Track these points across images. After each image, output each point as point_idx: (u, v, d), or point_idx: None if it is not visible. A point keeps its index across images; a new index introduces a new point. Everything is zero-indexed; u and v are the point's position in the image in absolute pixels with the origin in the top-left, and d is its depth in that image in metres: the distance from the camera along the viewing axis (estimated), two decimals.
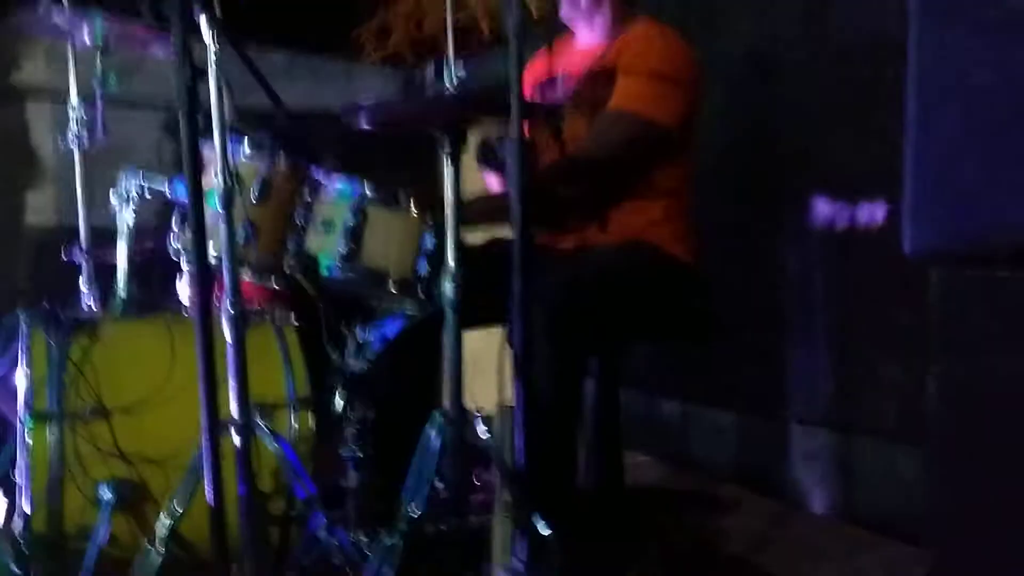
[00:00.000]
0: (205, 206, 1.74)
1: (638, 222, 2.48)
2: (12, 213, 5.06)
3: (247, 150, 2.15)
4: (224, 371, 1.84)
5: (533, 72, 2.67)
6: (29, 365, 2.03)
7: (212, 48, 1.87)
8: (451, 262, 1.94)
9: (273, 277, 2.12)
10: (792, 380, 3.18)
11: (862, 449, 2.96)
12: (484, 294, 1.96)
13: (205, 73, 1.67)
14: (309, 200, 2.16)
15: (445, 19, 5.72)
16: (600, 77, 2.48)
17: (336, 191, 2.13)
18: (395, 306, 2.18)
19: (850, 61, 2.94)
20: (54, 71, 5.91)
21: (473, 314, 2.00)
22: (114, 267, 2.51)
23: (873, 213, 2.89)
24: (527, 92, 2.47)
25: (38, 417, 2.00)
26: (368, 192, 2.11)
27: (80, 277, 2.61)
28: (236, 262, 1.88)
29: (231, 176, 1.88)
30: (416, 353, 2.33)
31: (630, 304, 2.34)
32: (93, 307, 2.52)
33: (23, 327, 2.09)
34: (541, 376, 2.02)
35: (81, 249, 2.61)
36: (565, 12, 2.63)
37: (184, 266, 2.20)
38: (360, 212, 2.09)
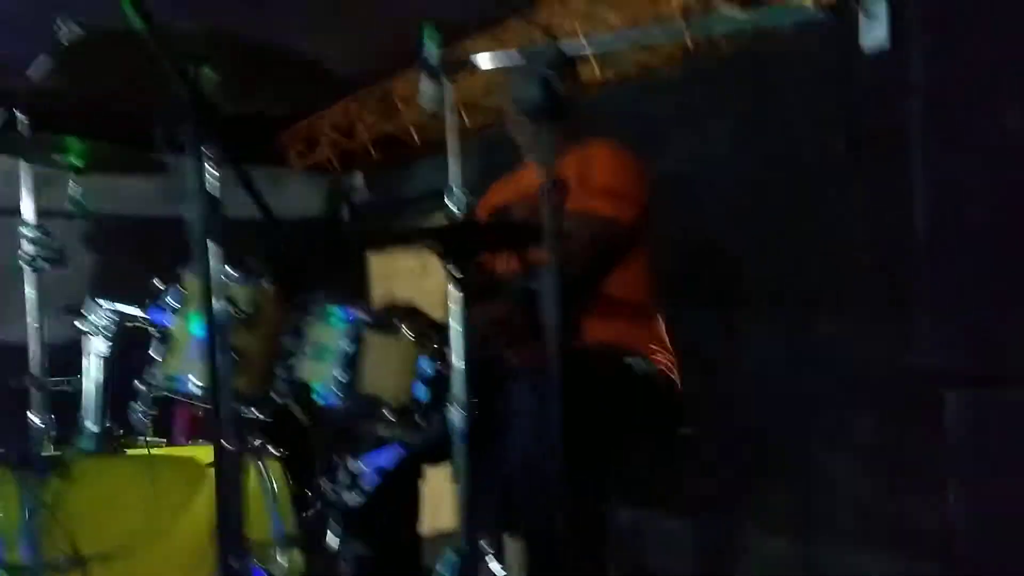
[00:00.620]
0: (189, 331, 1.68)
1: (608, 328, 2.48)
2: None
3: (232, 272, 2.08)
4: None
5: (487, 203, 2.72)
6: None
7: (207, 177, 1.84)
8: (457, 388, 1.90)
9: (258, 407, 2.04)
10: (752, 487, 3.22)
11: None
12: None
13: (220, 203, 1.62)
14: (299, 325, 2.10)
15: (374, 128, 5.75)
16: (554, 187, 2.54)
17: (328, 315, 2.08)
18: (392, 434, 2.12)
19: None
20: None
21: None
22: (64, 395, 2.39)
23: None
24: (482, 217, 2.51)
25: (11, 571, 1.84)
26: (364, 316, 2.07)
27: (30, 406, 2.46)
28: (227, 393, 1.80)
29: (228, 301, 1.82)
30: (406, 482, 2.25)
31: (605, 419, 2.32)
32: (48, 442, 2.36)
33: None
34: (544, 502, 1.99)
35: (32, 376, 2.46)
36: (521, 140, 2.67)
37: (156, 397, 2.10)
38: (356, 338, 2.03)
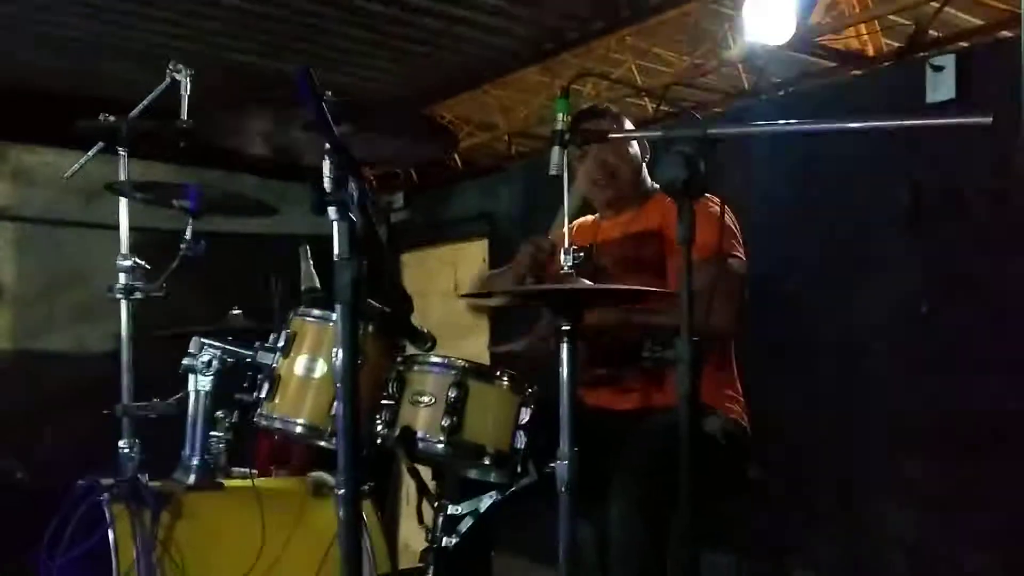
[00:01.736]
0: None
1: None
2: None
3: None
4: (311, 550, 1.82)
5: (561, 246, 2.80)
6: (116, 551, 1.95)
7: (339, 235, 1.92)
8: (566, 439, 1.97)
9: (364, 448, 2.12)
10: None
11: None
12: None
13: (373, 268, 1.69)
14: (401, 370, 2.18)
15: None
16: (641, 238, 2.62)
17: (432, 364, 2.16)
18: (490, 479, 2.20)
19: None
20: (20, 190, 5.78)
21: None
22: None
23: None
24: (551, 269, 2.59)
25: None
26: (466, 365, 2.15)
27: (122, 435, 2.53)
28: (350, 435, 1.88)
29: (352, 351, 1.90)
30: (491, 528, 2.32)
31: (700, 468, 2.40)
32: (136, 471, 2.42)
33: (104, 503, 2.02)
34: (637, 553, 2.06)
35: (125, 405, 2.54)
36: (611, 197, 2.74)
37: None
38: (460, 386, 2.12)
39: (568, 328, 1.98)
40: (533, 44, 4.69)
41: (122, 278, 2.59)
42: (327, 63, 4.85)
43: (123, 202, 2.62)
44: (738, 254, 2.55)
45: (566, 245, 1.99)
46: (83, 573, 2.00)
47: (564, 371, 1.98)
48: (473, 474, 2.23)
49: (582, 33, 4.51)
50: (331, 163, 1.69)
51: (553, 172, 1.84)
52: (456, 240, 5.74)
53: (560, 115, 1.85)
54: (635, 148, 2.72)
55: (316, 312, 2.25)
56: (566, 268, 1.99)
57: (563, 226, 1.98)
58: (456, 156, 5.59)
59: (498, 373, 2.18)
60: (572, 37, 4.57)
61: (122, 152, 2.60)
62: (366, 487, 2.35)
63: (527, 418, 2.16)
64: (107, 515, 1.99)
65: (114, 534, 1.97)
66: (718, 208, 2.57)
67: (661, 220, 2.63)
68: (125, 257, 2.60)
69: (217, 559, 2.03)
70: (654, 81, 4.39)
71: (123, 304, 2.59)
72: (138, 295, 2.57)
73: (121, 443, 2.52)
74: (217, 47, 4.69)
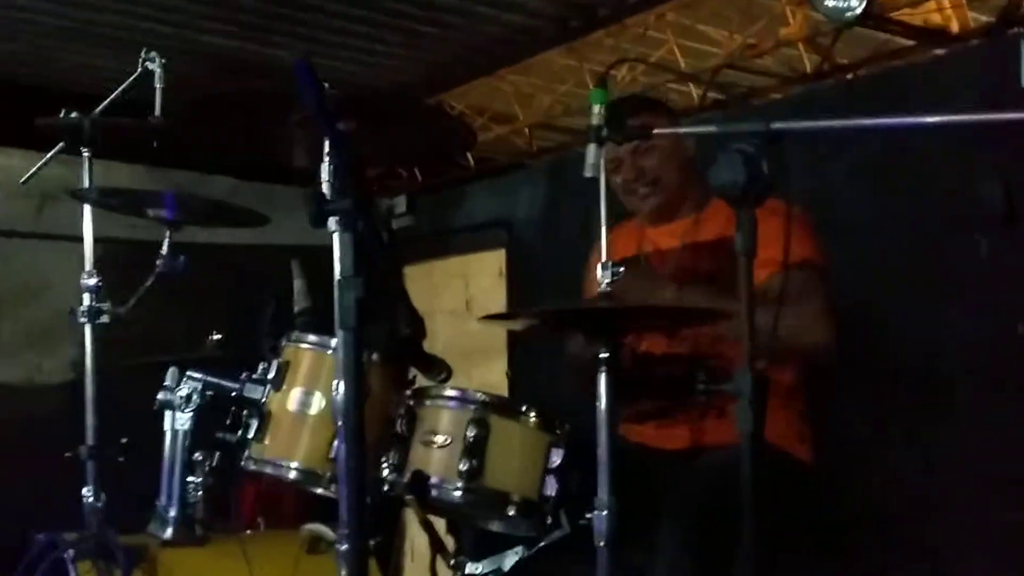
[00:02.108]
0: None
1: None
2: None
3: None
4: None
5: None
6: None
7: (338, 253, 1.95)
8: (604, 486, 1.97)
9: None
10: None
11: None
12: None
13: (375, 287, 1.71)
14: (412, 405, 2.19)
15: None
16: (703, 249, 2.63)
17: (447, 398, 2.17)
18: (516, 532, 2.20)
19: None
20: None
21: None
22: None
23: None
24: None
25: None
26: (487, 399, 2.16)
27: (86, 482, 2.55)
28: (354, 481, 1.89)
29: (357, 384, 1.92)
30: None
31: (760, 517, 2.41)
32: (103, 524, 2.43)
33: (68, 560, 2.04)
34: None
35: (89, 447, 2.55)
36: (656, 204, 2.75)
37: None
38: (481, 423, 2.12)
39: (607, 356, 1.98)
40: (557, 21, 4.71)
41: (86, 298, 2.62)
42: (320, 46, 4.88)
43: (87, 211, 2.65)
44: (821, 262, 2.58)
45: (603, 258, 2.00)
46: None
47: (602, 406, 1.98)
48: (496, 526, 2.24)
49: (614, 8, 4.53)
50: (332, 166, 1.70)
51: (589, 174, 1.85)
52: (468, 250, 5.73)
53: (597, 107, 1.86)
54: (682, 145, 2.74)
55: (312, 338, 2.27)
56: (603, 285, 2.00)
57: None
58: (469, 155, 5.62)
59: (524, 408, 2.19)
60: (603, 13, 4.59)
61: (86, 153, 2.63)
62: (372, 543, 2.37)
63: (559, 461, 2.16)
64: (72, 574, 2.01)
65: None
66: (786, 210, 2.59)
67: (725, 224, 2.63)
68: (90, 274, 2.63)
69: None
70: (700, 64, 4.40)
71: (87, 328, 2.61)
72: (105, 318, 2.59)
73: (85, 491, 2.55)
74: (195, 29, 4.73)
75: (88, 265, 2.64)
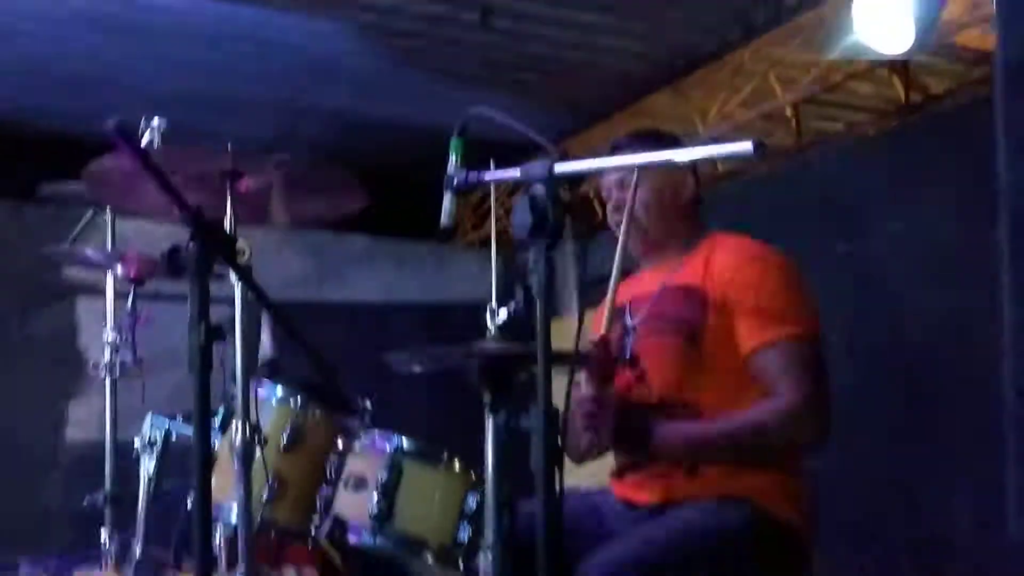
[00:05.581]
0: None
1: (736, 474, 2.58)
2: (52, 426, 5.55)
3: (279, 394, 2.43)
4: None
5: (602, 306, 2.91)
6: None
7: (238, 299, 2.21)
8: (491, 531, 2.10)
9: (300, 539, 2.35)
10: None
11: None
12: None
13: (221, 331, 1.95)
14: (342, 449, 2.40)
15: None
16: (676, 293, 2.68)
17: (369, 444, 2.37)
18: None
19: None
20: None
21: None
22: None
23: None
24: (597, 329, 2.70)
25: None
26: (405, 445, 2.34)
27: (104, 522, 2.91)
28: (252, 522, 2.12)
29: (251, 430, 2.16)
30: None
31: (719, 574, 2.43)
32: (109, 565, 2.79)
33: None
34: None
35: (105, 495, 2.91)
36: (638, 245, 2.83)
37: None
38: (395, 468, 2.31)
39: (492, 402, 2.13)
40: (663, 64, 4.86)
41: (106, 353, 3.00)
42: (436, 101, 5.22)
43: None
44: (813, 330, 2.56)
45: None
46: None
47: (489, 451, 2.12)
48: (418, 570, 2.39)
49: (718, 46, 4.64)
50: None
51: (445, 222, 2.01)
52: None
53: (453, 157, 2.01)
54: (675, 182, 2.78)
55: (262, 386, 2.50)
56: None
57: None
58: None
59: (445, 455, 2.35)
60: (706, 50, 4.70)
61: None
62: None
63: (475, 506, 2.31)
64: None
65: None
66: (784, 266, 2.61)
67: (703, 272, 2.68)
68: (111, 331, 3.01)
69: None
70: (796, 96, 4.41)
71: (107, 381, 3.00)
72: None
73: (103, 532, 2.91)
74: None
75: (110, 322, 3.02)
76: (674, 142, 2.93)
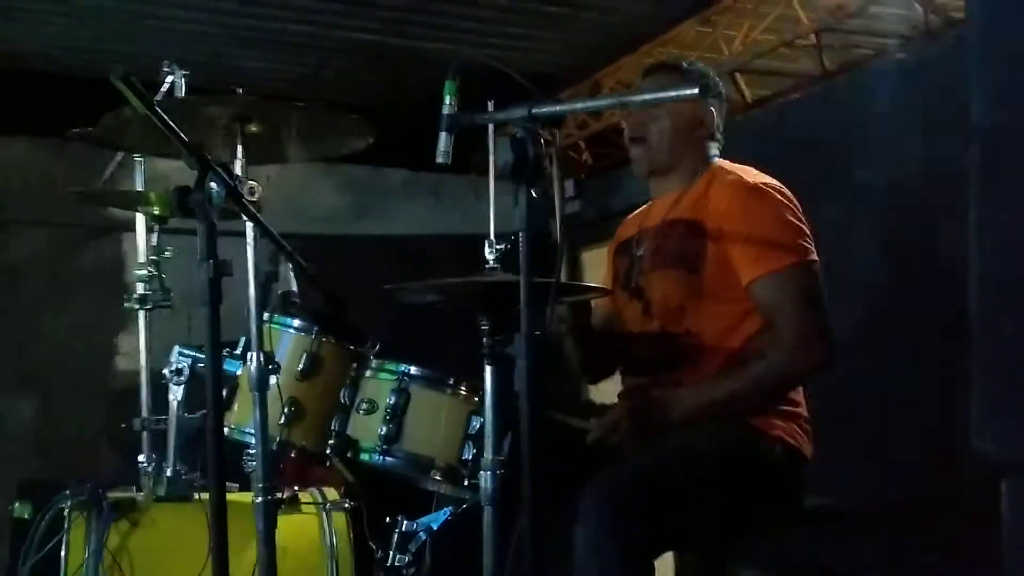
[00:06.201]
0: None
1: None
2: (101, 357, 5.80)
3: (296, 325, 2.59)
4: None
5: (618, 237, 3.02)
6: (67, 553, 2.49)
7: (249, 235, 2.37)
8: (489, 449, 2.25)
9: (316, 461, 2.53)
10: None
11: None
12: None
13: (228, 266, 2.09)
14: (355, 376, 2.56)
15: (586, 126, 6.13)
16: (676, 226, 2.78)
17: (379, 369, 2.53)
18: (445, 494, 2.53)
19: None
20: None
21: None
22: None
23: None
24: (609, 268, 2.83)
25: None
26: (413, 371, 2.49)
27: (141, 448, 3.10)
28: (267, 444, 2.30)
29: (265, 358, 2.32)
30: (462, 546, 2.62)
31: (713, 496, 2.56)
32: (146, 484, 2.98)
33: (66, 510, 2.57)
34: None
35: (142, 417, 3.10)
36: (642, 167, 2.93)
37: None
38: (402, 392, 2.47)
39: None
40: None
41: (140, 287, 3.17)
42: (471, 35, 5.31)
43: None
44: (813, 258, 2.65)
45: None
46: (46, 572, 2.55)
47: (487, 375, 2.27)
48: (428, 487, 2.56)
49: None
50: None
51: (440, 160, 2.13)
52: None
53: (448, 98, 2.13)
54: (680, 108, 2.80)
55: (278, 317, 2.67)
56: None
57: None
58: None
59: (451, 380, 2.50)
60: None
61: None
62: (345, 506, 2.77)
63: (478, 427, 2.46)
64: (67, 522, 2.53)
65: (67, 540, 2.50)
66: (778, 197, 2.70)
67: (702, 205, 2.77)
68: (142, 265, 3.18)
69: (170, 570, 2.50)
70: (819, 22, 4.44)
71: (141, 314, 3.17)
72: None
73: (141, 458, 3.10)
74: (343, 28, 5.29)
75: (141, 257, 3.18)
76: (676, 71, 2.98)
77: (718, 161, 2.86)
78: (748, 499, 2.63)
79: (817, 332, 2.61)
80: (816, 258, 2.67)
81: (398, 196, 6.44)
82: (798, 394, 2.76)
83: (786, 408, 2.73)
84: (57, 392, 5.71)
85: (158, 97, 2.91)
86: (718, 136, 2.89)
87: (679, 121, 2.81)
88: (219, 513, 2.05)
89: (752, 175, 2.77)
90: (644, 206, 3.06)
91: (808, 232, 2.70)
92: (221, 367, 2.11)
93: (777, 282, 2.63)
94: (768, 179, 2.77)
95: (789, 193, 2.75)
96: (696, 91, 1.86)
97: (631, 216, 3.10)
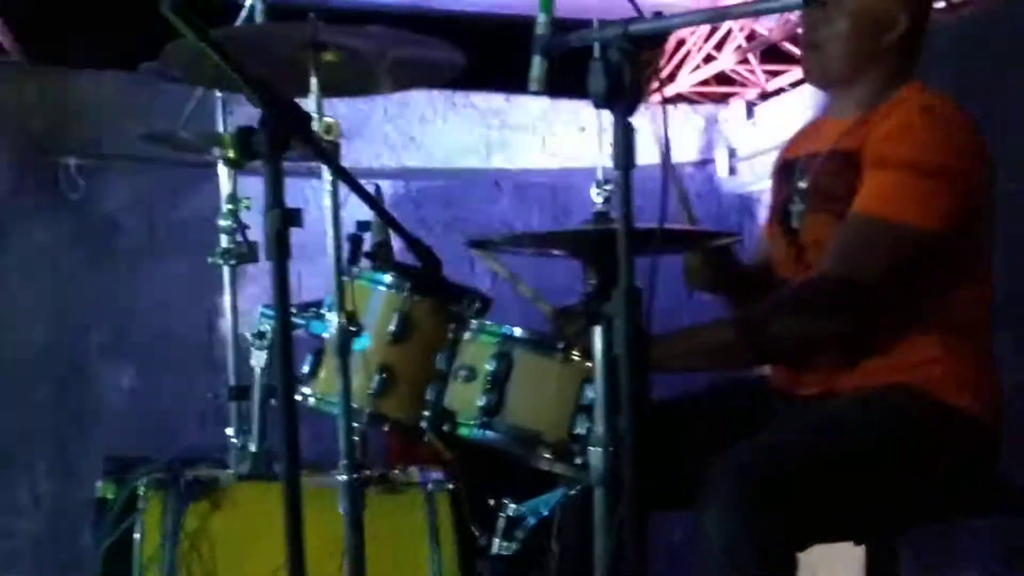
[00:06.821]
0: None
1: (906, 360, 2.60)
2: (203, 319, 5.95)
3: (386, 281, 2.61)
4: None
5: (781, 156, 2.91)
6: (141, 536, 2.58)
7: (327, 180, 2.39)
8: (601, 423, 2.24)
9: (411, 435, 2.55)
10: None
11: None
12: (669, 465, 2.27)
13: (299, 215, 2.11)
14: (453, 338, 2.57)
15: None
16: (839, 160, 2.65)
17: (479, 331, 2.53)
18: (558, 474, 2.51)
19: None
20: None
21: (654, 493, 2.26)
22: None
23: None
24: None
25: None
26: (517, 333, 2.48)
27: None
28: (350, 415, 2.34)
29: (348, 318, 2.35)
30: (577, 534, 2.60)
31: (875, 474, 2.49)
32: (234, 461, 3.05)
33: (141, 490, 2.66)
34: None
35: (228, 387, 3.19)
36: (815, 78, 2.81)
37: None
38: (504, 357, 2.46)
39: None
40: None
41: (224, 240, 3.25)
42: None
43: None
44: (936, 229, 2.52)
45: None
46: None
47: (596, 338, 2.25)
48: (537, 464, 2.54)
49: None
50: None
51: (533, 88, 2.11)
52: None
53: (543, 16, 2.10)
54: (868, 12, 2.65)
55: (367, 272, 2.68)
56: None
57: None
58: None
59: (562, 345, 2.47)
60: None
61: None
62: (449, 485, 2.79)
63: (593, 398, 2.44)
64: (142, 502, 2.62)
65: (142, 521, 2.60)
66: (919, 131, 2.56)
67: (867, 137, 2.64)
68: (225, 216, 3.26)
69: (253, 557, 2.57)
70: None
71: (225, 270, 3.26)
72: None
73: (229, 431, 3.19)
74: None
75: (223, 207, 3.26)
76: None
77: (916, 84, 2.69)
78: (925, 479, 2.56)
79: (846, 291, 2.50)
80: (927, 228, 2.51)
81: (534, 130, 6.38)
82: (982, 352, 2.67)
83: (970, 369, 2.64)
84: (159, 359, 5.84)
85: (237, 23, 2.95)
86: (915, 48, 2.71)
87: (860, 24, 2.64)
88: (293, 494, 2.08)
89: (921, 108, 2.59)
90: (820, 120, 2.94)
91: (956, 195, 2.53)
92: (290, 330, 2.13)
93: (869, 228, 2.52)
94: (953, 116, 2.61)
95: (970, 143, 2.59)
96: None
97: (803, 129, 2.97)
